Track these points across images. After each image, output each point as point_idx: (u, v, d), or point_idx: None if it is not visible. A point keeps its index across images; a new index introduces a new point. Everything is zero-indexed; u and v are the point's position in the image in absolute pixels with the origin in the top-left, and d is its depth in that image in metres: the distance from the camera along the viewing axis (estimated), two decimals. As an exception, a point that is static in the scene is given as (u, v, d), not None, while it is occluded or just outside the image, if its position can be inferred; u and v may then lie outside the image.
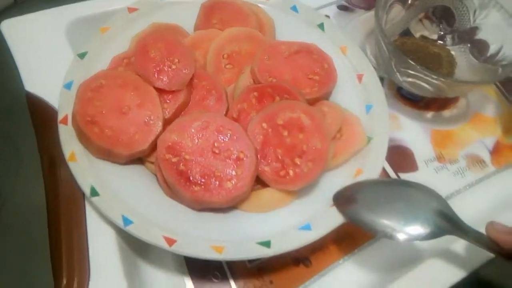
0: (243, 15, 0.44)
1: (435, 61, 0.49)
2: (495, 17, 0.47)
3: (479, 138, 0.47)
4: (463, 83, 0.45)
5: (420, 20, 0.53)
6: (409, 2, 0.50)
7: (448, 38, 0.52)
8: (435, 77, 0.40)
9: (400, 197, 0.32)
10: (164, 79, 0.37)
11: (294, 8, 0.47)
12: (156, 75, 0.37)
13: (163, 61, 0.38)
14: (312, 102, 0.41)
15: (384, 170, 0.44)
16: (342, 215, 0.34)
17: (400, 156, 0.45)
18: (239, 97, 0.38)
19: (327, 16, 0.55)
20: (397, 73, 0.44)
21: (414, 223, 0.30)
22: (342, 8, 0.56)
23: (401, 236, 0.30)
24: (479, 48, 0.48)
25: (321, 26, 0.46)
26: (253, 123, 0.36)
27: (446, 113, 0.49)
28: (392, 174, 0.44)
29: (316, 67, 0.42)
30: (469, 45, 0.49)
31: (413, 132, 0.47)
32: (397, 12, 0.51)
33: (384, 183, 0.37)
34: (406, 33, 0.52)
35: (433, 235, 0.30)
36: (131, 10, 0.43)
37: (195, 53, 0.42)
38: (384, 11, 0.48)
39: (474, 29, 0.49)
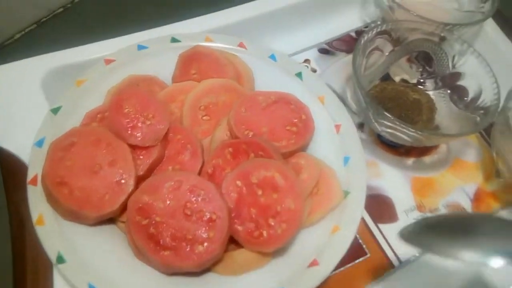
0: (220, 65, 0.44)
1: (414, 107, 0.49)
2: (473, 64, 0.47)
3: (460, 185, 0.47)
4: (440, 136, 0.45)
5: (402, 64, 0.53)
6: (390, 48, 0.50)
7: (429, 83, 0.52)
8: (412, 130, 0.40)
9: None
10: (137, 136, 0.37)
11: (272, 57, 0.47)
12: (129, 132, 0.37)
13: (137, 116, 0.38)
14: (290, 154, 0.40)
15: (363, 221, 0.43)
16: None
17: (380, 206, 0.44)
18: (214, 153, 0.38)
19: (307, 60, 0.55)
20: (375, 123, 0.44)
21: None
22: (323, 51, 0.56)
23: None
24: (459, 94, 0.49)
25: (299, 75, 0.46)
26: (227, 180, 0.36)
27: (427, 159, 0.48)
28: (372, 226, 0.43)
29: (294, 118, 0.42)
30: (449, 91, 0.50)
31: (393, 180, 0.46)
32: (377, 57, 0.51)
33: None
34: (387, 77, 0.52)
35: None
36: (108, 61, 0.43)
37: (171, 106, 0.42)
38: (363, 57, 0.48)
39: (454, 75, 0.49)
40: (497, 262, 0.27)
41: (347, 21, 0.59)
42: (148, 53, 0.45)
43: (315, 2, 0.56)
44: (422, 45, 0.50)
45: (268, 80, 0.46)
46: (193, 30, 0.49)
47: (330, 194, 0.38)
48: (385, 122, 0.42)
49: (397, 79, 0.53)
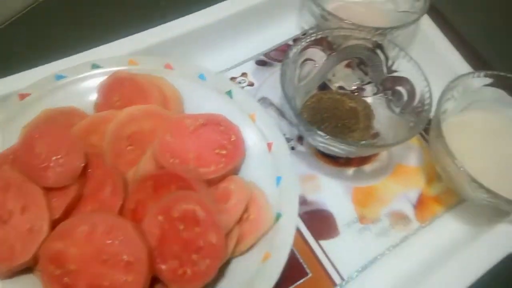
0: (144, 90, 0.42)
1: (351, 116, 0.48)
2: (406, 68, 0.46)
3: (402, 191, 0.46)
4: (373, 147, 0.44)
5: (339, 71, 0.52)
6: (324, 57, 0.49)
7: (368, 88, 0.51)
8: (343, 145, 0.39)
9: None
10: (50, 176, 0.35)
11: (201, 76, 0.45)
12: (41, 173, 0.35)
13: (49, 156, 0.35)
14: (220, 178, 0.39)
15: (304, 239, 0.42)
16: None
17: (320, 222, 0.43)
18: (135, 187, 0.36)
19: (245, 74, 0.54)
20: (309, 138, 0.43)
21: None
22: (260, 63, 0.55)
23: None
24: (395, 99, 0.48)
25: (229, 93, 0.44)
26: (148, 216, 0.34)
27: (368, 167, 0.47)
28: (313, 243, 0.42)
29: (223, 140, 0.40)
30: (386, 96, 0.49)
31: (334, 192, 0.45)
32: (311, 66, 0.50)
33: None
34: (324, 86, 0.51)
35: None
36: (22, 96, 0.41)
37: (91, 139, 0.40)
38: (296, 69, 0.47)
39: (390, 80, 0.49)
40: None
41: (284, 30, 0.58)
42: (67, 82, 0.43)
43: (249, 14, 0.54)
44: (356, 52, 0.49)
45: (197, 101, 0.44)
46: (118, 53, 0.47)
47: (261, 219, 0.37)
48: (318, 138, 0.41)
49: (335, 86, 0.52)
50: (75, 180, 0.35)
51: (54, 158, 0.35)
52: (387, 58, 0.48)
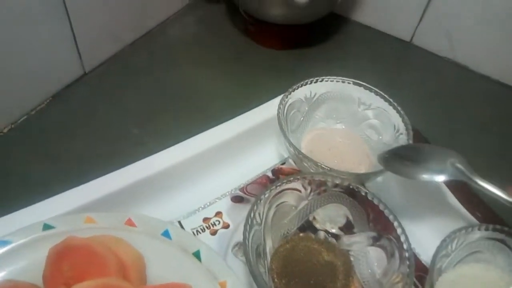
0: (99, 258, 0.37)
1: (327, 272, 0.43)
2: (384, 222, 0.42)
3: None
4: None
5: (324, 212, 0.48)
6: (302, 202, 0.45)
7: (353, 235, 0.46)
8: None
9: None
10: None
11: (166, 233, 0.41)
12: None
13: None
14: None
15: None
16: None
17: None
18: None
19: (219, 213, 0.50)
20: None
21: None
22: (236, 199, 0.51)
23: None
24: (377, 257, 0.43)
25: (197, 254, 0.40)
26: None
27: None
28: None
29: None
30: (368, 252, 0.44)
31: None
32: (289, 208, 0.46)
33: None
34: (307, 226, 0.47)
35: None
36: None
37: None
38: (271, 216, 0.43)
39: (372, 237, 0.44)
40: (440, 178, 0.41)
41: (263, 160, 0.55)
42: (11, 249, 0.38)
43: (224, 146, 0.52)
44: (337, 199, 0.45)
45: (162, 265, 0.39)
46: (77, 203, 0.43)
47: None
48: None
49: (319, 227, 0.47)
50: None
51: None
52: (366, 211, 0.44)
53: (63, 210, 0.41)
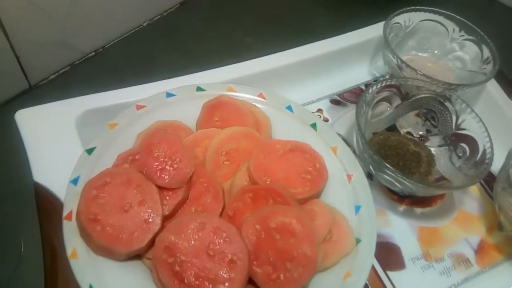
0: (241, 114, 0.48)
1: (413, 159, 0.52)
2: (471, 125, 0.50)
3: (464, 236, 0.49)
4: (433, 188, 0.47)
5: (409, 118, 0.56)
6: (398, 102, 0.54)
7: (433, 139, 0.55)
8: (406, 182, 0.43)
9: None
10: (165, 178, 0.40)
11: (289, 108, 0.51)
12: (158, 174, 0.40)
13: (165, 160, 0.41)
14: (304, 201, 0.43)
15: (373, 267, 0.45)
16: None
17: (388, 254, 0.46)
18: (235, 197, 0.41)
19: (320, 110, 0.59)
20: (375, 171, 0.47)
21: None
22: (334, 102, 0.60)
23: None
24: (458, 153, 0.51)
25: (313, 125, 0.49)
26: (247, 224, 0.38)
27: (433, 210, 0.51)
28: (381, 272, 0.45)
29: (309, 166, 0.45)
30: (449, 149, 0.52)
31: (401, 229, 0.49)
32: (384, 108, 0.55)
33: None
34: (393, 128, 0.56)
35: None
36: (139, 107, 0.47)
37: (195, 151, 0.45)
38: (369, 107, 0.52)
39: (457, 136, 0.52)
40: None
41: (357, 75, 0.64)
42: (175, 100, 0.49)
43: (328, 57, 0.60)
44: (428, 103, 0.54)
45: (285, 129, 0.49)
46: (216, 79, 0.53)
47: (343, 241, 0.40)
48: (384, 171, 0.45)
49: (403, 131, 0.56)
50: (183, 184, 0.40)
51: (169, 162, 0.40)
52: (456, 115, 0.52)
53: (210, 81, 0.52)
